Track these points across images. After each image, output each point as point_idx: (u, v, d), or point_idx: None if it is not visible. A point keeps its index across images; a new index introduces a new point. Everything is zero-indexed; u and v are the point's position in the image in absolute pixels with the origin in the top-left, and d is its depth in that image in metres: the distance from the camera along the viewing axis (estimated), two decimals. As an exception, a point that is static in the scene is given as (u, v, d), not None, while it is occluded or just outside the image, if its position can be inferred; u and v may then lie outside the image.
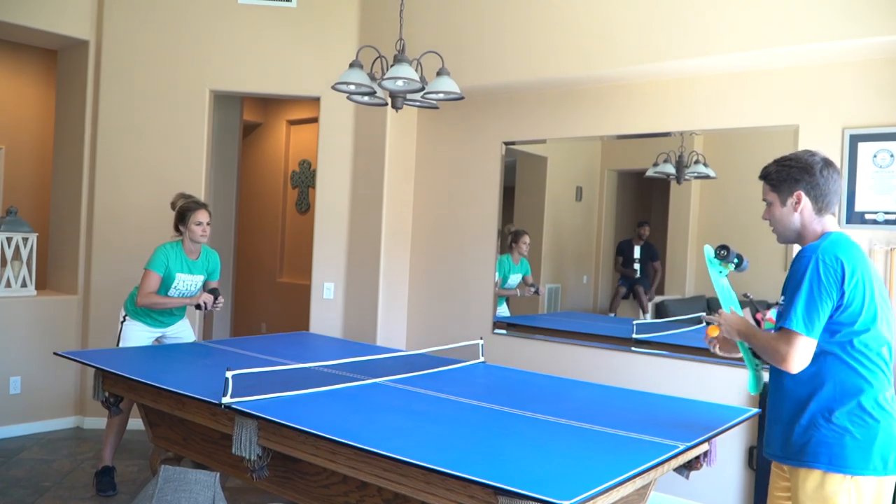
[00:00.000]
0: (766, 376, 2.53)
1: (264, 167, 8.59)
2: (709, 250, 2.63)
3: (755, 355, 2.52)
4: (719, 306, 2.60)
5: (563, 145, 5.14)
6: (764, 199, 2.47)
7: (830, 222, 2.38)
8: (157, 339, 4.49)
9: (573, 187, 5.26)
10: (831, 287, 2.21)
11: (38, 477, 4.48)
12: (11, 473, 4.52)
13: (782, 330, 2.25)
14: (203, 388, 3.06)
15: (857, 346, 2.24)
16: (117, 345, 4.38)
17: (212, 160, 6.01)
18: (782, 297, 2.35)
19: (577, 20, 4.58)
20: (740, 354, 2.60)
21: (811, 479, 2.24)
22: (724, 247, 2.59)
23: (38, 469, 4.62)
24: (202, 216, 4.39)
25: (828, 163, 2.36)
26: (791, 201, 2.37)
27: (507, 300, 5.42)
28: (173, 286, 4.36)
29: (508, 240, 5.35)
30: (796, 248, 3.99)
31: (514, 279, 5.35)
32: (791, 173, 2.36)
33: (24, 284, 5.36)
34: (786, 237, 2.45)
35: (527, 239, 5.31)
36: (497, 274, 5.32)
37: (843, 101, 3.98)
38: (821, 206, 2.36)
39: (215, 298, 4.39)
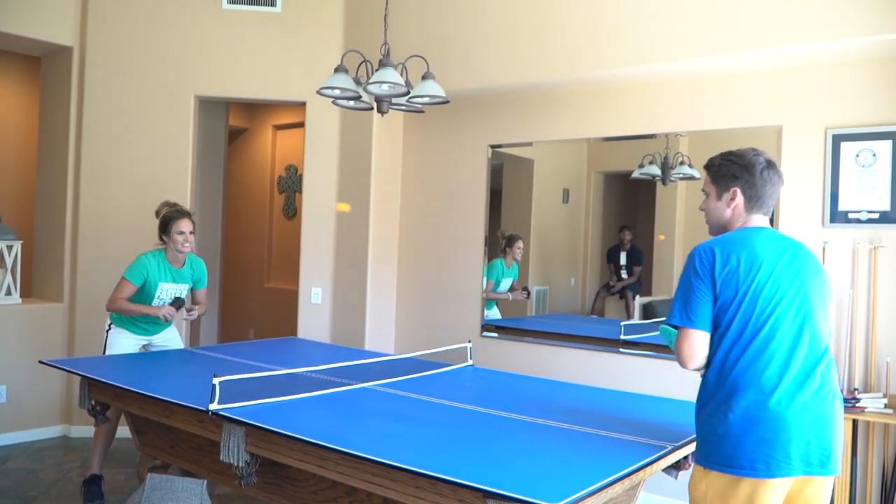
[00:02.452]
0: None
1: (250, 172, 8.57)
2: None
3: None
4: None
5: (550, 147, 5.15)
6: (702, 190, 2.50)
7: (757, 220, 2.38)
8: (143, 347, 4.46)
9: (560, 189, 5.27)
10: (705, 277, 2.24)
11: (25, 486, 4.44)
12: (-3, 483, 4.48)
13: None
14: (190, 395, 3.05)
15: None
16: (104, 353, 4.35)
17: (198, 166, 5.98)
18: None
19: (562, 22, 4.60)
20: None
21: None
22: None
23: (25, 479, 4.58)
24: (185, 225, 4.33)
25: (770, 164, 2.38)
26: (726, 196, 2.39)
27: (498, 303, 5.42)
28: (157, 296, 4.31)
29: (503, 244, 5.35)
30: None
31: (506, 283, 5.36)
32: (732, 169, 2.39)
33: (8, 292, 5.32)
34: (714, 229, 2.47)
35: (521, 244, 5.31)
36: (490, 277, 5.32)
37: (826, 102, 4.01)
38: (753, 205, 2.38)
39: (178, 309, 4.32)
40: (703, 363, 2.26)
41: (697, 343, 2.23)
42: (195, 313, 4.45)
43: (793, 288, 2.23)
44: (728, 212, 2.40)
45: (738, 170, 2.38)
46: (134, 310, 4.26)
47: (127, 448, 4.98)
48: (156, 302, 4.32)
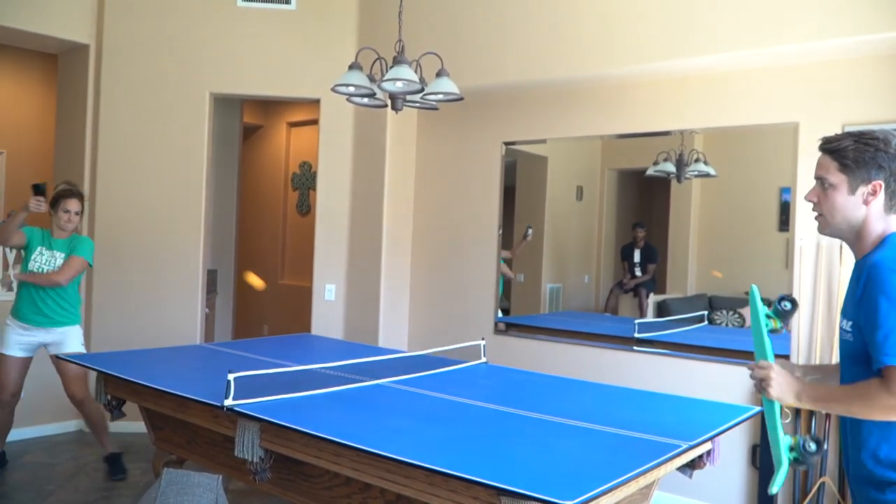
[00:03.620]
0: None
1: (265, 169, 8.59)
2: (759, 301, 2.04)
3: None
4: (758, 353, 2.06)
5: (564, 145, 5.14)
6: (819, 177, 1.96)
7: (894, 223, 1.93)
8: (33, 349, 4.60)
9: (573, 187, 5.26)
10: None
11: (41, 480, 4.48)
12: (15, 477, 4.52)
13: (888, 370, 1.75)
14: (205, 390, 3.06)
15: None
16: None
17: (212, 163, 6.00)
18: (849, 324, 1.91)
19: (577, 19, 4.58)
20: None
21: None
22: (788, 300, 2.02)
23: (41, 473, 4.62)
24: (71, 205, 4.53)
25: None
26: (864, 191, 1.89)
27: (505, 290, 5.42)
28: (32, 258, 4.47)
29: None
30: (798, 244, 4.00)
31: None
32: (876, 157, 1.86)
33: (25, 288, 5.35)
34: (837, 230, 1.96)
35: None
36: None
37: (843, 98, 3.98)
38: (893, 204, 1.90)
39: (36, 194, 4.35)
40: None
41: None
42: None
43: None
44: (863, 210, 1.90)
45: (883, 158, 1.86)
46: (8, 228, 4.40)
47: (142, 443, 5.01)
48: (31, 265, 4.47)
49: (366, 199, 5.66)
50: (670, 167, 4.59)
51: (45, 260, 4.49)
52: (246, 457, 2.82)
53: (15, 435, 5.22)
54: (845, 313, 1.94)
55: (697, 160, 4.50)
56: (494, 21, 4.97)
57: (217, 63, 5.60)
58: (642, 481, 2.31)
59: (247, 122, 8.07)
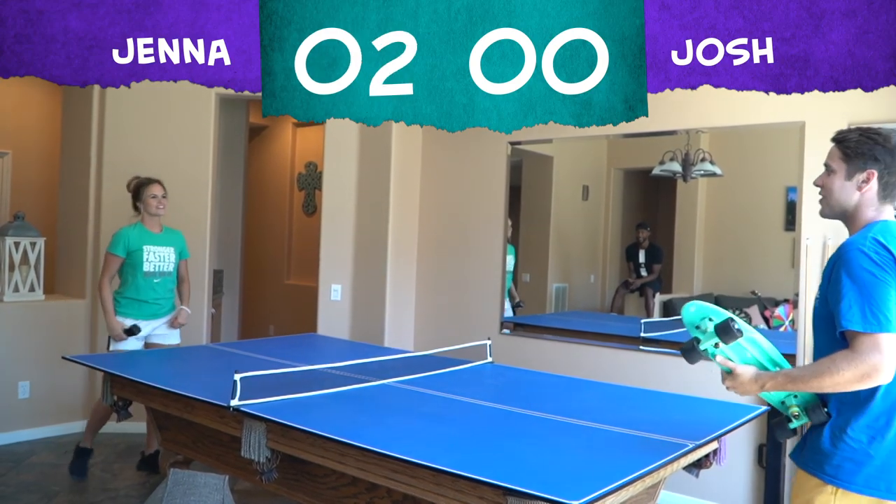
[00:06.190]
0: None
1: (271, 170, 8.60)
2: (700, 317, 2.19)
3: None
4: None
5: (569, 145, 5.13)
6: (826, 164, 2.18)
7: (888, 213, 2.12)
8: (144, 343, 4.59)
9: (579, 187, 5.25)
10: (889, 270, 1.94)
11: (48, 481, 4.49)
12: (21, 478, 4.53)
13: (851, 336, 1.94)
14: (211, 391, 3.07)
15: None
16: (108, 350, 4.47)
17: (218, 163, 6.01)
18: (821, 295, 2.11)
19: (582, 19, 4.57)
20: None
21: None
22: (741, 326, 2.14)
23: (48, 473, 4.63)
24: (156, 189, 4.59)
25: None
26: (859, 177, 2.10)
27: (511, 297, 5.41)
28: (145, 260, 4.50)
29: None
30: (804, 243, 3.99)
31: (510, 260, 5.36)
32: (874, 150, 2.08)
33: (32, 289, 5.37)
34: (833, 212, 2.18)
35: (509, 222, 5.33)
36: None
37: (849, 97, 3.94)
38: (887, 194, 2.10)
39: (129, 335, 4.45)
40: None
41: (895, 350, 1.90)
42: (186, 311, 4.70)
43: None
44: (856, 196, 2.11)
45: (880, 151, 2.08)
46: (106, 306, 4.47)
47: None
48: (146, 267, 4.50)
49: (372, 199, 5.66)
50: (676, 167, 4.58)
51: (159, 259, 4.57)
52: (252, 457, 2.82)
53: (21, 436, 5.25)
54: (820, 287, 2.13)
55: (703, 159, 4.49)
56: (500, 21, 4.96)
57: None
58: (648, 481, 2.30)
59: (253, 123, 8.07)
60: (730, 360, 2.16)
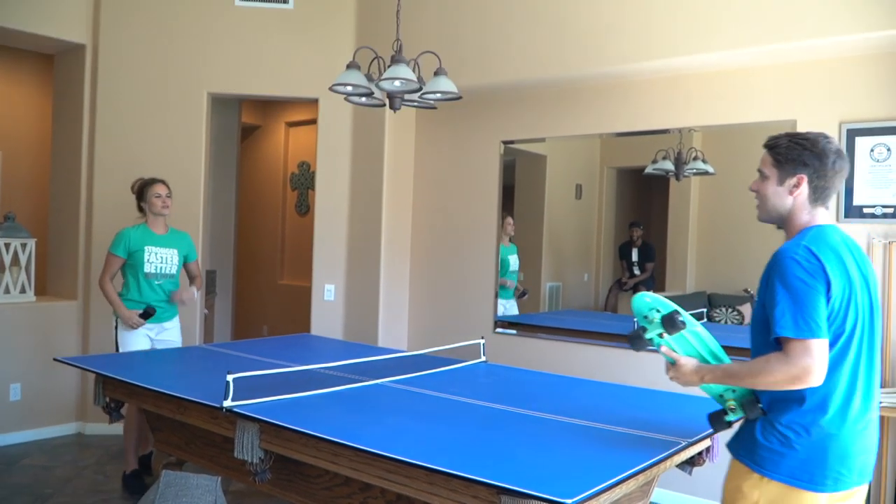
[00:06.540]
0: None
1: (263, 170, 8.59)
2: (649, 308, 2.28)
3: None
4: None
5: (562, 143, 5.14)
6: (759, 170, 2.25)
7: (824, 216, 2.20)
8: (152, 341, 4.55)
9: (573, 185, 5.25)
10: (818, 277, 2.01)
11: (40, 484, 4.47)
12: (13, 480, 4.51)
13: (784, 341, 2.01)
14: (204, 391, 3.06)
15: None
16: (116, 351, 4.42)
17: (211, 163, 6.00)
18: (758, 300, 2.18)
19: (574, 17, 4.58)
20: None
21: None
22: (684, 319, 2.24)
23: (40, 476, 4.61)
24: (160, 189, 4.56)
25: (841, 154, 2.16)
26: (790, 182, 2.17)
27: (515, 293, 5.40)
28: (146, 261, 4.46)
29: None
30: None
31: (514, 259, 5.35)
32: (802, 155, 2.14)
33: (23, 290, 5.35)
34: (769, 217, 2.26)
35: (511, 220, 5.35)
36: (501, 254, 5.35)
37: (840, 96, 3.98)
38: (818, 198, 2.17)
39: (146, 319, 4.42)
40: None
41: (825, 355, 1.99)
42: (193, 291, 4.64)
43: (866, 297, 2.13)
44: (789, 200, 2.18)
45: (809, 157, 2.14)
46: (112, 299, 4.44)
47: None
48: (147, 268, 4.46)
49: (365, 198, 5.65)
50: (669, 165, 4.58)
51: (161, 261, 4.52)
52: (245, 458, 2.82)
53: (13, 438, 5.23)
54: (759, 291, 2.18)
55: (696, 158, 4.50)
56: (492, 20, 4.96)
57: (215, 63, 5.59)
58: (642, 478, 2.31)
59: (245, 122, 8.06)
60: (674, 350, 2.27)
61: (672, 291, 4.72)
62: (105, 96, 5.52)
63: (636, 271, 4.93)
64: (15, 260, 5.31)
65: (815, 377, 1.98)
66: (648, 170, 4.68)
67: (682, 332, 2.25)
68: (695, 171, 4.52)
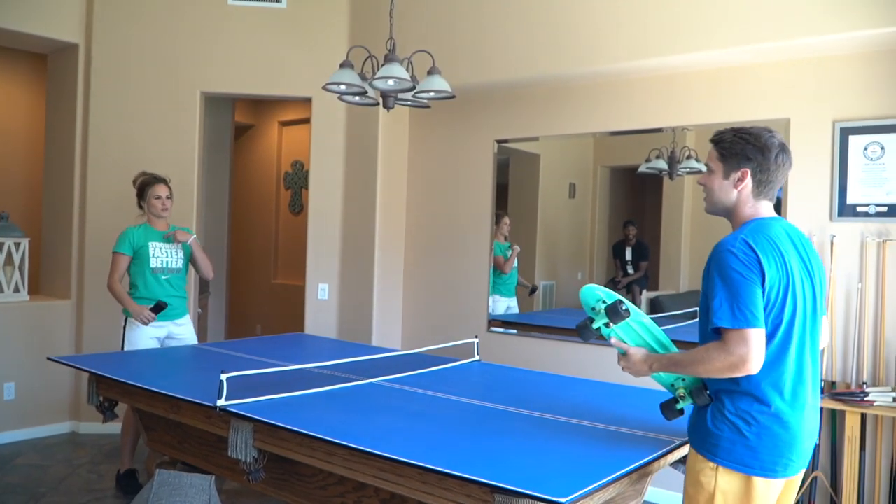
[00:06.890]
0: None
1: (257, 169, 8.57)
2: (596, 299, 2.36)
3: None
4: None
5: (556, 142, 5.14)
6: (706, 164, 2.32)
7: (767, 209, 2.26)
8: (161, 343, 4.50)
9: (566, 184, 5.26)
10: (753, 269, 2.07)
11: (34, 483, 4.46)
12: (6, 480, 4.50)
13: (722, 331, 2.08)
14: (198, 391, 3.05)
15: None
16: (122, 349, 4.40)
17: (204, 162, 5.99)
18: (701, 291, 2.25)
19: (568, 17, 4.58)
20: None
21: None
22: (627, 307, 2.32)
23: (34, 475, 4.60)
24: (161, 190, 4.49)
25: (784, 147, 2.22)
26: (734, 176, 2.23)
27: (517, 293, 5.40)
28: (151, 255, 4.42)
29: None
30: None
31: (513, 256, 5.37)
32: (745, 149, 2.20)
33: (16, 290, 5.34)
34: (716, 209, 2.33)
35: (507, 220, 5.36)
36: (495, 254, 5.34)
37: (834, 95, 3.99)
38: (762, 191, 2.23)
39: (157, 312, 4.37)
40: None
41: (762, 343, 2.05)
42: (191, 236, 4.59)
43: (808, 287, 2.18)
44: (734, 193, 2.24)
45: (752, 150, 2.19)
46: (121, 297, 4.39)
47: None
48: (153, 262, 4.42)
49: (358, 197, 5.65)
50: (662, 164, 4.59)
51: (166, 256, 4.48)
52: (239, 457, 2.81)
53: (6, 437, 5.21)
54: (703, 282, 2.24)
55: (689, 157, 4.51)
56: (486, 19, 4.96)
57: (208, 62, 5.58)
58: (636, 477, 2.31)
59: (238, 122, 8.05)
60: (624, 342, 2.37)
61: (666, 290, 4.74)
62: (98, 96, 5.50)
63: (630, 270, 4.93)
64: (8, 259, 5.30)
65: (752, 365, 2.04)
66: (642, 169, 4.69)
67: (627, 321, 2.33)
68: (688, 169, 4.53)
